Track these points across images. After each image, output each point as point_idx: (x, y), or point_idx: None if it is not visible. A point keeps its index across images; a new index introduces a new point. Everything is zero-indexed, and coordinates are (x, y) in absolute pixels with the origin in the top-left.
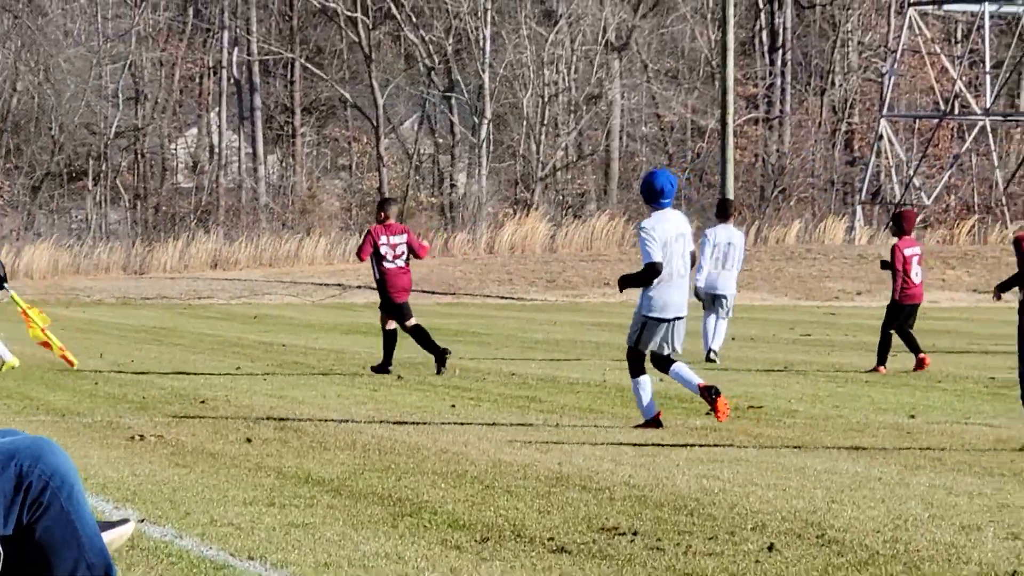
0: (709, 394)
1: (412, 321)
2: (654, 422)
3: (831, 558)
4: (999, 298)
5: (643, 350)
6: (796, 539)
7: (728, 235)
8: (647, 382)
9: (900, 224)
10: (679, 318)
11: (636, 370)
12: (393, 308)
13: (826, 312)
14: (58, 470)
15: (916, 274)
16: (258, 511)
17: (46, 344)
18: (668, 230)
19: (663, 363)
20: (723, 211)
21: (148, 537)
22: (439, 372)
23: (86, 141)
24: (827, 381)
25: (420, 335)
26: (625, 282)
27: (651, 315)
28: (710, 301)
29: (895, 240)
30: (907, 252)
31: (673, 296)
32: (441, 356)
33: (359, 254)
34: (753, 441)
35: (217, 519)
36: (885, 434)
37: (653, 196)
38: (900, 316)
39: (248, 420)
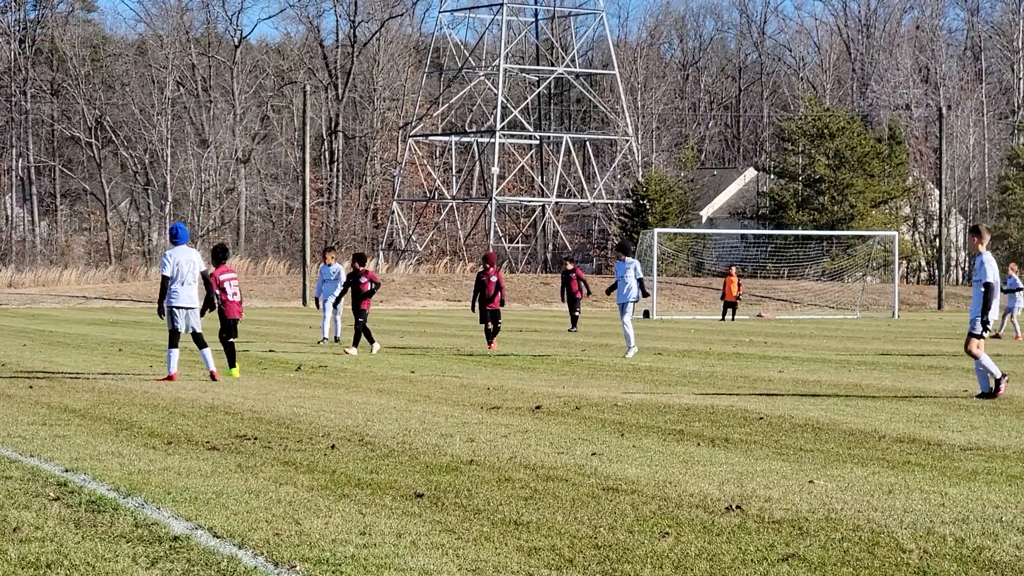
0: (213, 377)
1: None
2: (169, 378)
3: (367, 453)
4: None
5: (180, 329)
6: (348, 442)
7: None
8: (176, 353)
9: (487, 260)
10: (191, 308)
11: (172, 343)
12: None
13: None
14: None
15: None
16: (36, 428)
17: None
18: (180, 257)
19: (194, 339)
20: (324, 253)
21: None
22: None
23: None
24: (380, 354)
25: None
26: (161, 295)
27: (173, 305)
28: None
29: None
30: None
31: (184, 294)
32: None
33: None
34: (322, 387)
35: (12, 434)
36: (396, 382)
37: (173, 237)
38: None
39: (30, 375)
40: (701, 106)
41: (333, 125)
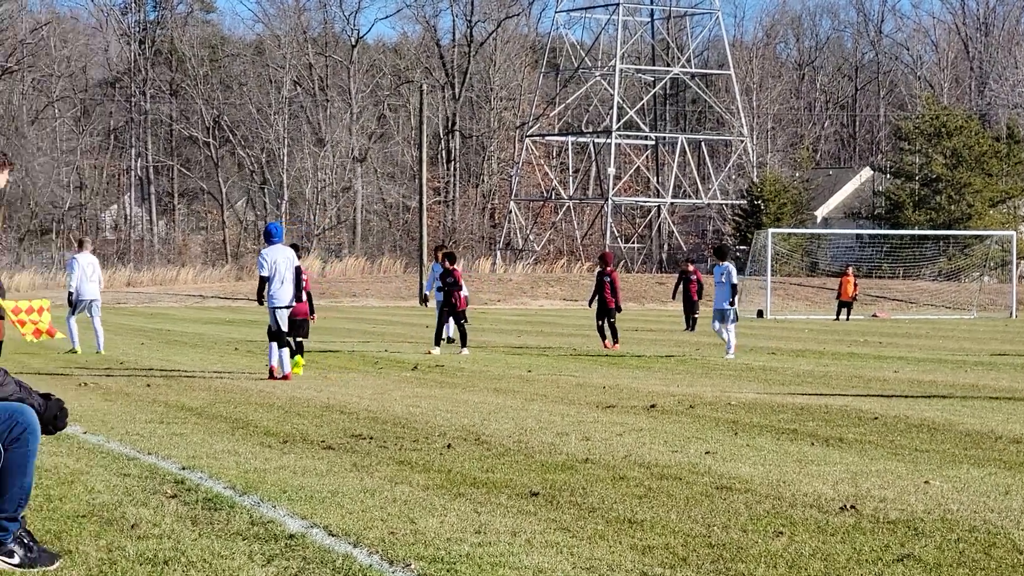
0: (272, 375)
1: None
2: (282, 376)
3: (483, 452)
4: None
5: (275, 328)
6: (463, 441)
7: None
8: (275, 348)
9: (603, 259)
10: (288, 306)
11: (275, 339)
12: None
13: (480, 312)
14: (32, 427)
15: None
16: (153, 426)
17: (37, 333)
18: (276, 256)
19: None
20: (436, 251)
21: (88, 442)
22: None
23: (51, 212)
24: (497, 353)
25: None
26: (259, 293)
27: (273, 306)
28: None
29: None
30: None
31: (283, 293)
32: None
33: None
34: (438, 387)
35: (130, 431)
36: (512, 381)
37: (268, 236)
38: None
39: (148, 374)
40: (817, 106)
41: (450, 124)
